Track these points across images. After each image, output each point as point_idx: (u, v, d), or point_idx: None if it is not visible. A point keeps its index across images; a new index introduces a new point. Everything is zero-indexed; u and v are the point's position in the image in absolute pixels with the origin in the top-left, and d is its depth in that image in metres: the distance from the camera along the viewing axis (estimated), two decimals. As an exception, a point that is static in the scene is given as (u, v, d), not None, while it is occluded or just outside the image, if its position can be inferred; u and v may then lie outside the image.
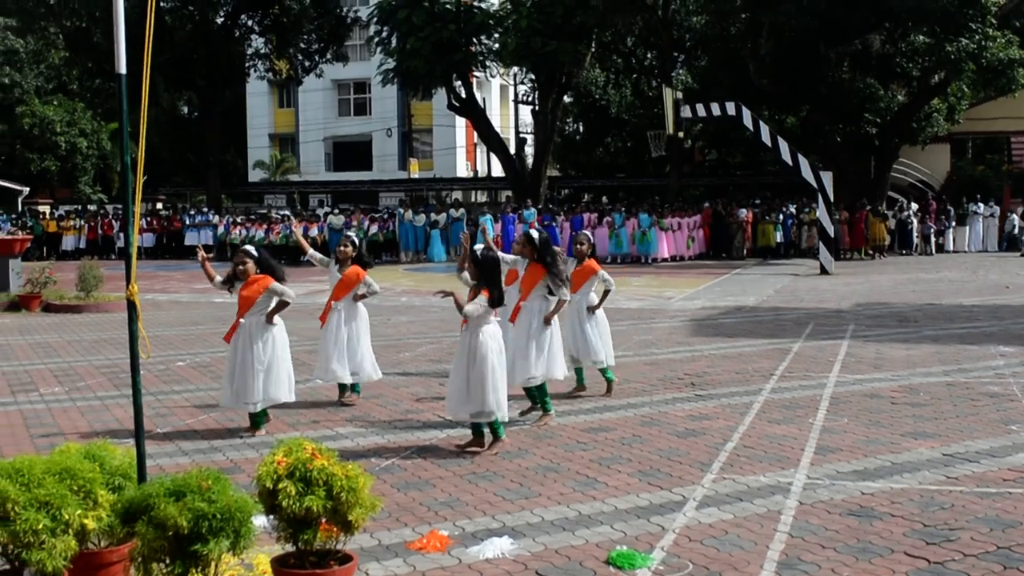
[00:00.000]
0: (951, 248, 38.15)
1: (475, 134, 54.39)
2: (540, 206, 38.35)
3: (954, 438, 9.46)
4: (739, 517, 7.23)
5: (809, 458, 8.80)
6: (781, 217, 36.67)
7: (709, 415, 10.56)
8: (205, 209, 44.86)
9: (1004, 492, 7.76)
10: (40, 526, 5.00)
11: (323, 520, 5.39)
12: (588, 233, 12.20)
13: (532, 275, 10.52)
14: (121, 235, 41.01)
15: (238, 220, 41.34)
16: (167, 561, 4.98)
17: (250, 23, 46.41)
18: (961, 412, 10.56)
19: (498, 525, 7.09)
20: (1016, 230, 38.28)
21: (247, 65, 47.99)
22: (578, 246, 11.75)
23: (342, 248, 11.43)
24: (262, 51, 47.90)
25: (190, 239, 40.79)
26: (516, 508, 7.46)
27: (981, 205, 38.83)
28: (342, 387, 11.40)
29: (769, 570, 6.23)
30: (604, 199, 45.05)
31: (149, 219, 42.71)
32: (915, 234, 37.76)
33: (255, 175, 64.43)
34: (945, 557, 6.42)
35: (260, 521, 5.51)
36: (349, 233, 12.28)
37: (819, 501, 7.58)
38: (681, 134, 33.65)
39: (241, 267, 10.05)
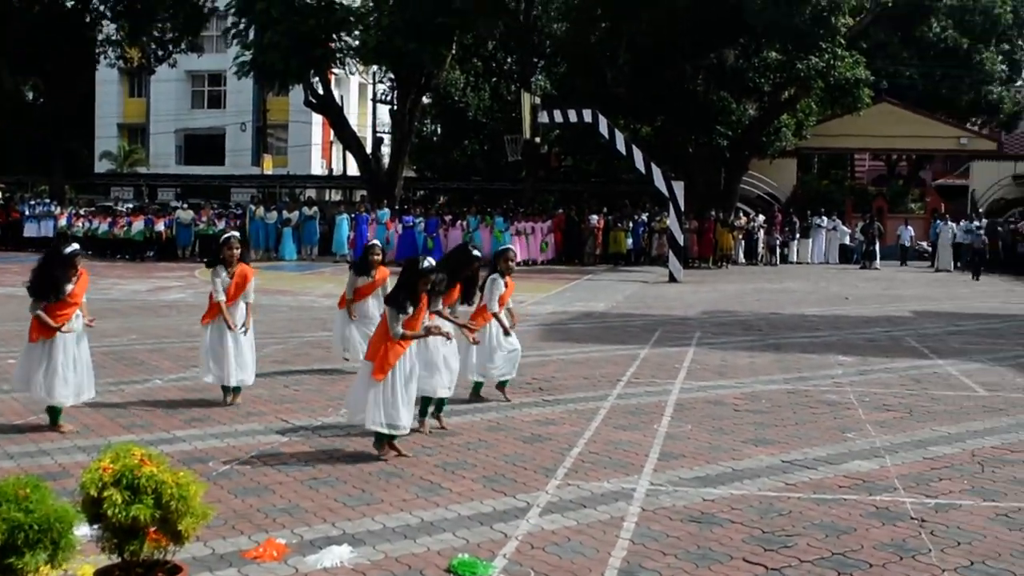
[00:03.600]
0: (795, 259, 39.19)
1: (331, 132, 53.73)
2: (396, 207, 38.05)
3: (793, 445, 9.65)
4: (582, 524, 7.22)
5: (653, 464, 8.86)
6: (633, 225, 37.17)
7: (556, 420, 10.57)
8: (47, 200, 43.21)
9: (839, 499, 7.93)
10: None
11: (151, 529, 5.15)
12: (514, 248, 12.24)
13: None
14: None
15: (81, 212, 39.97)
16: (-23, 576, 4.69)
17: (102, 8, 44.82)
18: (800, 419, 10.79)
19: (338, 532, 6.93)
20: (854, 242, 39.48)
21: (97, 52, 46.39)
22: (509, 262, 11.59)
23: (231, 250, 11.07)
24: (113, 38, 46.37)
25: (29, 230, 39.20)
26: (357, 515, 7.31)
27: (824, 218, 40.01)
28: (226, 389, 11.11)
29: (610, 577, 6.23)
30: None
31: (-18, 207, 40.95)
32: (761, 245, 38.68)
33: (102, 166, 62.39)
34: (782, 563, 6.51)
35: (84, 531, 5.25)
36: (235, 233, 11.99)
37: (661, 507, 7.63)
38: (538, 139, 33.81)
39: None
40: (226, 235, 11.63)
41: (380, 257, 13.02)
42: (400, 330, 8.80)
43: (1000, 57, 50.14)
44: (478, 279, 10.80)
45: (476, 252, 10.92)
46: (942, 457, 9.33)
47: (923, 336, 17.93)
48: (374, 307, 12.56)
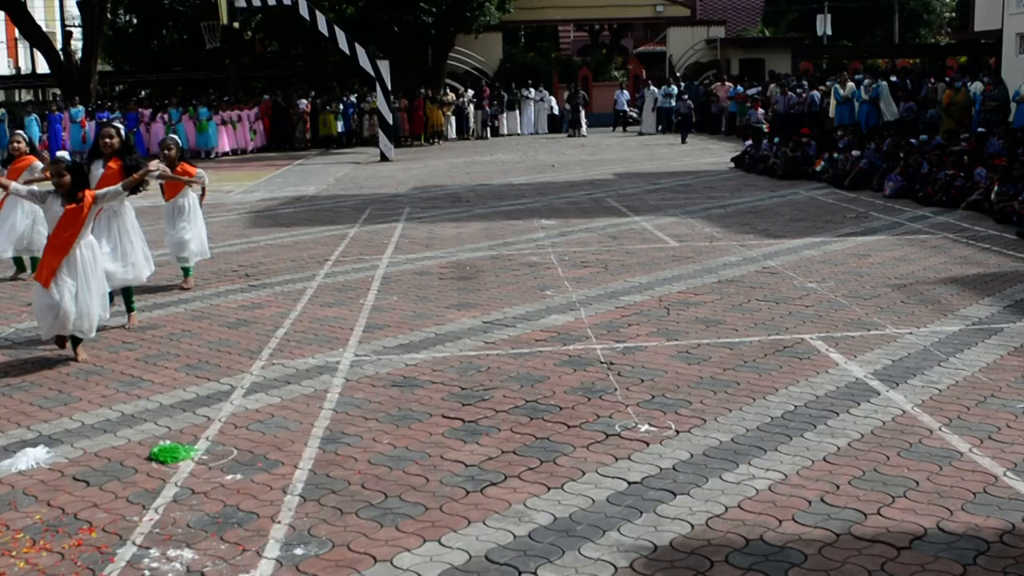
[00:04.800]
0: (505, 132, 39.83)
1: (15, 28, 50.25)
2: (91, 105, 36.14)
3: (494, 307, 9.98)
4: (286, 400, 7.29)
5: (358, 337, 8.99)
6: (342, 107, 36.77)
7: (262, 304, 10.52)
8: None
9: (535, 352, 8.30)
10: None
11: None
12: (175, 137, 11.76)
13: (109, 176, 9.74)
14: None
15: None
16: None
17: None
18: (503, 282, 11.15)
19: (33, 435, 6.72)
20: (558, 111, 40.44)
21: None
22: (166, 152, 11.19)
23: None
24: None
25: None
26: (54, 416, 7.11)
27: (532, 90, 40.71)
28: None
29: (312, 446, 6.34)
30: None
31: None
32: (471, 119, 39.07)
33: None
34: (478, 415, 6.80)
35: None
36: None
37: (365, 376, 7.78)
38: (236, 24, 32.72)
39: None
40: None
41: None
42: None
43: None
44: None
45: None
46: (632, 305, 9.88)
47: (622, 196, 18.72)
48: None
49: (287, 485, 5.75)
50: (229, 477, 5.91)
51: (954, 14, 55.14)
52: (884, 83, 25.82)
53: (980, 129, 20.00)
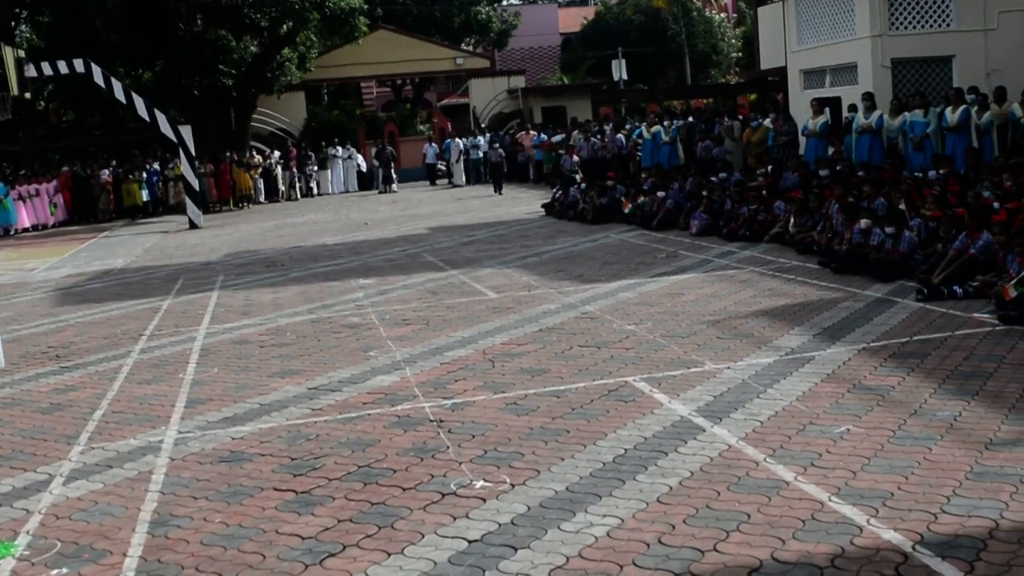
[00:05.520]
0: (316, 192, 39.55)
1: None
2: None
3: (319, 371, 9.88)
4: (110, 484, 7.05)
5: (180, 413, 8.76)
6: (146, 175, 35.90)
7: (76, 386, 10.15)
8: None
9: (364, 415, 8.24)
10: None
11: None
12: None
13: None
14: None
15: None
16: None
17: None
18: (325, 346, 11.04)
19: None
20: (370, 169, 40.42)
21: None
22: None
23: None
24: None
25: None
26: None
27: (340, 148, 40.58)
28: None
29: (141, 531, 6.14)
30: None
31: None
32: (280, 181, 38.66)
33: None
34: (311, 485, 6.70)
35: None
36: None
37: (190, 454, 7.58)
38: (28, 95, 31.65)
39: None
40: None
41: None
42: None
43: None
44: None
45: None
46: (457, 360, 9.91)
47: (438, 250, 18.81)
48: None
49: (118, 575, 5.54)
50: (55, 572, 5.67)
51: (740, 54, 57.47)
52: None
53: (771, 166, 20.90)
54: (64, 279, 19.27)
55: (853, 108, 20.44)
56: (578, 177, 26.05)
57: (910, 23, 20.98)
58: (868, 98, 19.83)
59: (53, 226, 33.64)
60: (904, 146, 19.18)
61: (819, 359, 8.86)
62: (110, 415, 8.90)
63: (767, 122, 24.18)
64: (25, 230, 32.68)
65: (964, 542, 5.12)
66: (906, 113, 19.10)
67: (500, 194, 32.10)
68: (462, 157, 38.25)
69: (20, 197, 32.82)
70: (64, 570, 5.68)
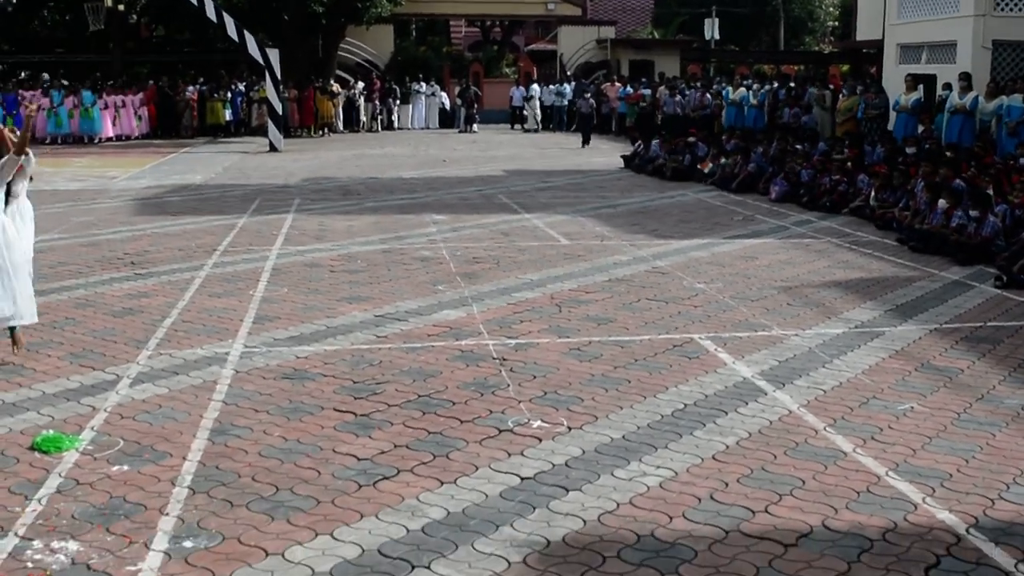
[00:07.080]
0: (396, 125, 39.61)
1: None
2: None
3: (387, 300, 9.94)
4: (175, 390, 7.17)
5: (248, 328, 8.88)
6: (230, 95, 36.16)
7: (148, 293, 10.31)
8: None
9: (427, 346, 8.29)
10: None
11: None
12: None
13: None
14: None
15: None
16: None
17: None
18: (394, 276, 11.11)
19: (-94, 422, 6.51)
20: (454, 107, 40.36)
21: None
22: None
23: None
24: None
25: None
26: (-72, 403, 6.89)
27: (424, 84, 40.56)
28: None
29: (202, 438, 6.25)
30: (45, 75, 41.89)
31: None
32: (362, 112, 38.76)
33: None
34: (371, 409, 6.77)
35: None
36: None
37: (255, 368, 7.69)
38: (122, 7, 32.00)
39: None
40: None
41: None
42: None
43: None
44: None
45: None
46: (524, 302, 9.92)
47: (514, 193, 18.79)
48: None
49: (175, 477, 5.65)
50: (115, 468, 5.79)
51: (837, 23, 56.42)
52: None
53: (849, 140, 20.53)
54: (144, 190, 19.54)
55: (947, 87, 19.97)
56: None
57: (1017, 4, 20.42)
58: (965, 78, 19.34)
59: (136, 138, 34.05)
60: (997, 130, 18.74)
61: (889, 335, 8.74)
62: (180, 324, 9.04)
63: (859, 93, 23.74)
64: (109, 139, 33.13)
65: (1020, 530, 5.05)
66: (1003, 97, 18.61)
67: (588, 145, 30.43)
68: (539, 104, 38.01)
69: (106, 106, 33.24)
70: (125, 467, 5.80)
